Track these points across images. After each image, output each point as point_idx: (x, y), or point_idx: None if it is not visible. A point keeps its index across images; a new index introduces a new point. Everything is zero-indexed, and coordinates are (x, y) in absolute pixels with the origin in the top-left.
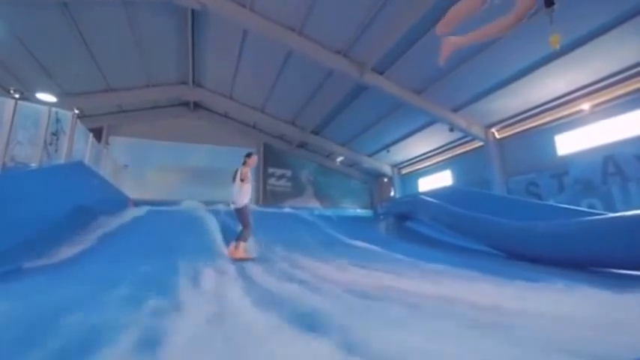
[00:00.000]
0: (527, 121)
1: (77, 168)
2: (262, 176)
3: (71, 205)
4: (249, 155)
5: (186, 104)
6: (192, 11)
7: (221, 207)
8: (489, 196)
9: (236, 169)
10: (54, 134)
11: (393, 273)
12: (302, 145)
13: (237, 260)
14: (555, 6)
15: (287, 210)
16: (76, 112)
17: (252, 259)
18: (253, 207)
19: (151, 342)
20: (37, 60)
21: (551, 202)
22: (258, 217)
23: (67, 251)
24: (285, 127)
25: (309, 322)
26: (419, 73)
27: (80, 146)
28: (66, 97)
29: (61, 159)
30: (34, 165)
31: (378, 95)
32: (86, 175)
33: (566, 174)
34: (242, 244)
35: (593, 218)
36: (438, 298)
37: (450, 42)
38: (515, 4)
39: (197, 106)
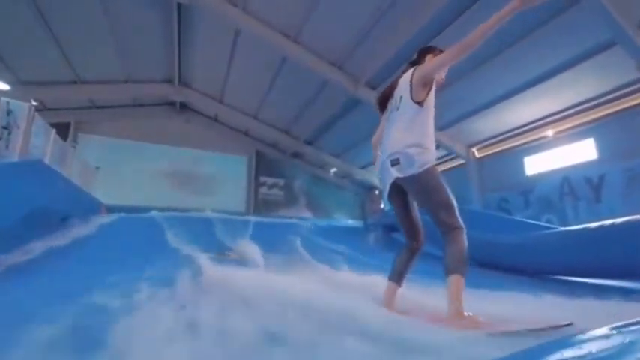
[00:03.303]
0: (503, 143)
1: (34, 167)
2: (254, 184)
3: (25, 210)
4: (433, 50)
5: (172, 104)
6: (179, 5)
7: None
8: (467, 211)
9: (394, 80)
10: (4, 128)
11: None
12: (296, 155)
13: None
14: None
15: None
16: (34, 103)
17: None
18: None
19: None
20: None
21: (518, 217)
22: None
23: (16, 260)
24: (278, 136)
25: None
26: None
27: (39, 143)
28: (21, 85)
29: (14, 157)
30: None
31: (371, 109)
32: (46, 176)
33: (531, 192)
34: (460, 283)
35: (548, 232)
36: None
37: None
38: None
39: (184, 107)
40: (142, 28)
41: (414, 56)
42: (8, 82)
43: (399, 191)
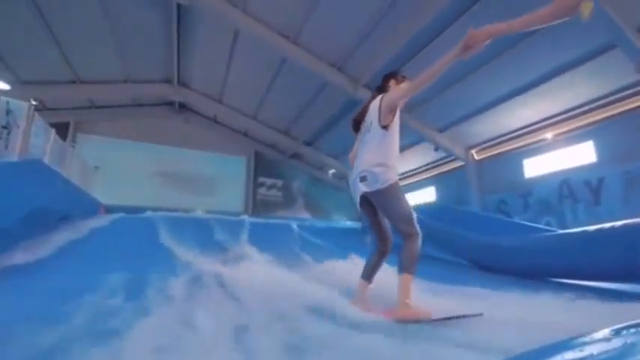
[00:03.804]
0: (502, 145)
1: (33, 167)
2: (252, 185)
3: (24, 210)
4: (394, 75)
5: (170, 104)
6: (179, 6)
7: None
8: (465, 213)
9: (364, 106)
10: (4, 127)
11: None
12: (295, 156)
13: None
14: None
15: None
16: (34, 103)
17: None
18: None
19: None
20: None
21: (517, 219)
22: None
23: (16, 260)
24: (277, 137)
25: None
26: None
27: (39, 143)
28: (21, 85)
29: (14, 156)
30: None
31: None
32: (45, 176)
33: (530, 194)
34: (409, 281)
35: (547, 234)
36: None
37: (492, 29)
38: None
39: (183, 107)
40: (142, 29)
41: (380, 82)
42: (8, 82)
43: (368, 202)
